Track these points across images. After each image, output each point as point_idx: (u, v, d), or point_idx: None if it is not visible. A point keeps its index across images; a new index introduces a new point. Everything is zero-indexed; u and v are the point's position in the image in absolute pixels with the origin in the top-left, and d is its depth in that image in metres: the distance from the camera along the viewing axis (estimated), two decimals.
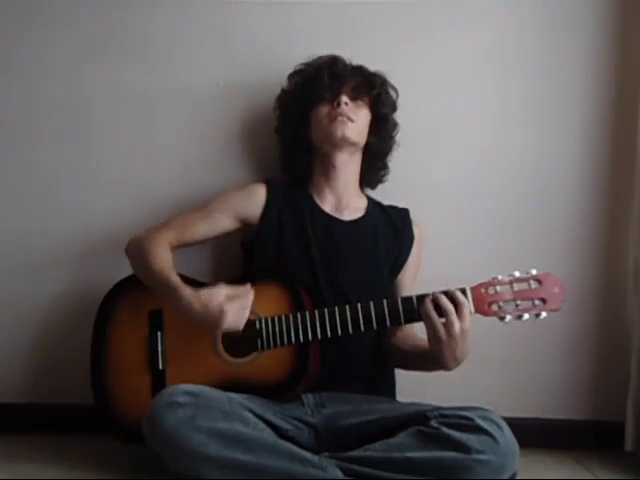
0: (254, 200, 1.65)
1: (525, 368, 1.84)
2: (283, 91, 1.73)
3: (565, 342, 1.84)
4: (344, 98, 1.60)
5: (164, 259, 1.54)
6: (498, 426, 1.33)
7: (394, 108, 1.71)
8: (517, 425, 1.39)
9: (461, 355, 1.43)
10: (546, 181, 1.84)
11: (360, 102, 1.64)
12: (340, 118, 1.59)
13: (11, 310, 1.87)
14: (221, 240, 1.73)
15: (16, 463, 1.60)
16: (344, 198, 1.68)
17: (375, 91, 1.65)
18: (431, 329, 1.41)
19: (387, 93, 1.69)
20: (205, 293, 1.45)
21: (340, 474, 1.32)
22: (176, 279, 1.49)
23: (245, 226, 1.66)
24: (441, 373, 1.80)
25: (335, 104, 1.60)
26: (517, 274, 1.42)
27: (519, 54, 1.83)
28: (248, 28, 1.83)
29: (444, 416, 1.36)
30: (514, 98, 1.84)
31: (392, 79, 1.71)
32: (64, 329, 1.86)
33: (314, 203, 1.67)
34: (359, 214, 1.68)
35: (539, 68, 1.83)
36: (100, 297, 1.66)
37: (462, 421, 1.33)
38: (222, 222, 1.64)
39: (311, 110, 1.65)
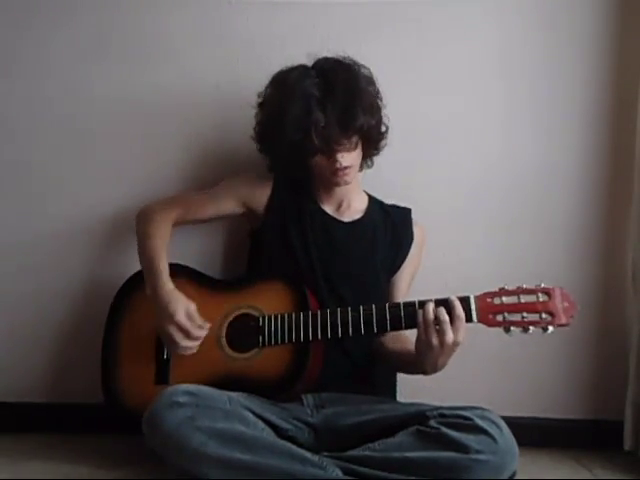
0: (260, 190, 1.68)
1: (525, 368, 1.84)
2: (263, 129, 1.63)
3: (564, 342, 1.84)
4: (340, 158, 1.53)
5: (159, 243, 1.60)
6: (497, 426, 1.33)
7: (379, 110, 1.61)
8: (516, 425, 1.39)
9: (442, 365, 1.43)
10: (545, 183, 1.84)
11: (352, 140, 1.55)
12: (341, 173, 1.55)
13: (15, 311, 1.87)
14: (229, 229, 1.78)
15: (19, 462, 1.61)
16: (345, 200, 1.69)
17: (367, 135, 1.57)
18: (424, 335, 1.40)
19: (375, 115, 1.57)
20: (179, 294, 1.52)
21: (340, 474, 1.32)
22: (163, 265, 1.55)
23: (250, 212, 1.69)
24: (441, 372, 1.81)
25: (332, 160, 1.54)
26: (525, 286, 1.40)
27: (521, 54, 1.83)
28: (248, 28, 1.84)
29: (443, 416, 1.36)
30: (516, 99, 1.84)
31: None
32: (69, 330, 1.87)
33: (315, 203, 1.68)
34: (359, 215, 1.69)
35: (541, 68, 1.83)
36: (105, 295, 1.69)
37: (461, 421, 1.33)
38: (227, 205, 1.69)
39: (307, 157, 1.57)
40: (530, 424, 1.81)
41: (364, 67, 1.61)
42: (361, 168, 1.69)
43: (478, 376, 1.84)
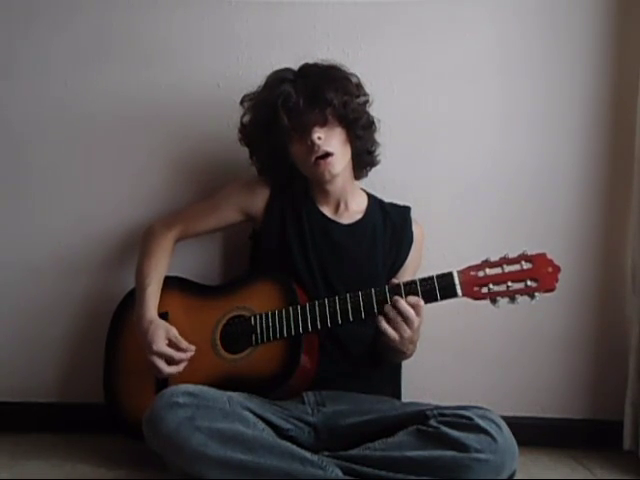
0: (258, 195, 1.68)
1: (524, 368, 1.84)
2: (244, 126, 1.66)
3: (564, 342, 1.85)
4: (315, 135, 1.53)
5: (153, 263, 1.64)
6: (497, 425, 1.33)
7: (360, 101, 1.60)
8: (516, 424, 1.40)
9: (409, 350, 1.50)
10: (545, 183, 1.84)
11: (329, 123, 1.55)
12: (322, 162, 1.54)
13: (19, 313, 1.88)
14: (231, 232, 1.78)
15: (19, 462, 1.62)
16: (342, 201, 1.68)
17: (341, 111, 1.55)
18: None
19: (348, 94, 1.56)
20: (159, 322, 1.56)
21: (340, 473, 1.32)
22: (151, 290, 1.59)
23: (250, 218, 1.70)
24: (441, 372, 1.82)
25: (309, 142, 1.53)
26: (509, 255, 1.40)
27: (521, 53, 1.83)
28: (248, 28, 1.84)
29: (443, 415, 1.37)
30: (516, 98, 1.84)
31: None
32: (72, 332, 1.88)
33: (314, 205, 1.67)
34: (358, 216, 1.68)
35: (540, 68, 1.83)
36: (108, 297, 1.73)
37: (461, 420, 1.34)
38: (228, 216, 1.70)
39: (286, 146, 1.59)
40: (530, 424, 1.81)
41: (352, 74, 1.61)
42: (356, 175, 1.68)
43: (478, 376, 1.84)
